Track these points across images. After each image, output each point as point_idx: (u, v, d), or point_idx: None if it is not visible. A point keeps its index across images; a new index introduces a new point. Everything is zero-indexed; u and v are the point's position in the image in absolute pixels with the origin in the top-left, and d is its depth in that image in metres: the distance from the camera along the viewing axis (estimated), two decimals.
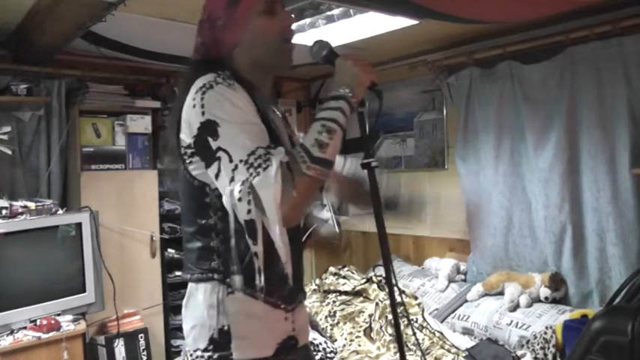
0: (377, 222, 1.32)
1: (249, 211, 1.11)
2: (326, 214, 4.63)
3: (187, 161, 1.26)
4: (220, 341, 1.23)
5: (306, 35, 2.90)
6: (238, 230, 1.18)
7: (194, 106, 1.20)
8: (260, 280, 1.20)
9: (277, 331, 1.31)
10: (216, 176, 1.16)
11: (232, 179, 1.12)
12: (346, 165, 1.43)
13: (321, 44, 1.35)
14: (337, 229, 4.36)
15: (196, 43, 1.37)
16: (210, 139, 1.17)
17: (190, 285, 1.31)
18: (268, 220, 1.10)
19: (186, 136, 1.23)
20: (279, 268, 1.20)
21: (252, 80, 1.31)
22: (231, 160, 1.13)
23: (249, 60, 1.33)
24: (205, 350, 1.25)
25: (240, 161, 1.12)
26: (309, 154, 1.13)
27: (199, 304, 1.26)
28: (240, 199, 1.11)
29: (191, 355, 1.29)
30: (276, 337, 1.31)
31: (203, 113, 1.18)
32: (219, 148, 1.15)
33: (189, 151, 1.24)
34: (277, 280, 1.25)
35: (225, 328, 1.23)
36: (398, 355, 1.40)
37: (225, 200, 1.16)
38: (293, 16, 1.41)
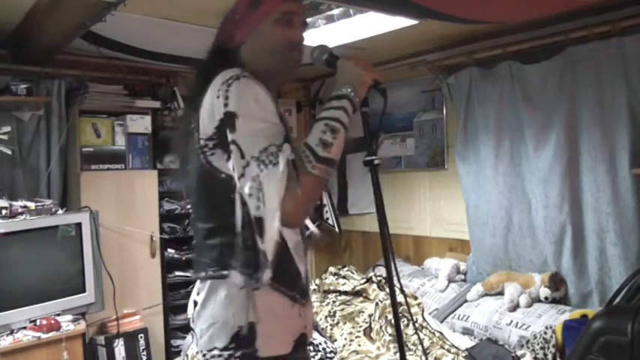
0: (379, 222, 1.32)
1: (258, 208, 1.12)
2: (325, 214, 4.65)
3: (209, 153, 1.24)
4: (245, 338, 1.21)
5: (305, 35, 2.90)
6: (245, 225, 1.19)
7: (218, 97, 1.20)
8: (269, 275, 1.20)
9: (293, 328, 1.32)
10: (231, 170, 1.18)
11: (242, 175, 1.14)
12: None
13: (321, 49, 1.37)
14: (337, 229, 4.37)
15: (217, 30, 1.41)
16: (227, 132, 1.17)
17: (210, 282, 1.26)
18: (266, 211, 1.11)
19: (209, 128, 1.23)
20: (294, 263, 1.23)
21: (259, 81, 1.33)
22: (243, 157, 1.14)
23: (252, 61, 1.34)
24: (225, 349, 1.22)
25: (252, 158, 1.13)
26: (315, 153, 1.15)
27: (221, 301, 1.23)
28: (250, 195, 1.12)
29: (204, 355, 1.26)
30: (292, 333, 1.31)
31: (226, 105, 1.18)
32: (232, 142, 1.16)
33: (210, 143, 1.23)
34: (294, 274, 1.26)
35: (251, 324, 1.21)
36: (398, 355, 1.40)
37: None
38: (306, 26, 1.41)
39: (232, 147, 1.16)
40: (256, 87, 1.21)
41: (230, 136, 1.17)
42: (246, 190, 1.12)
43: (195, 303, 1.31)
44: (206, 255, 1.28)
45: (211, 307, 1.25)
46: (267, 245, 1.15)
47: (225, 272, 1.23)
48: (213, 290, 1.25)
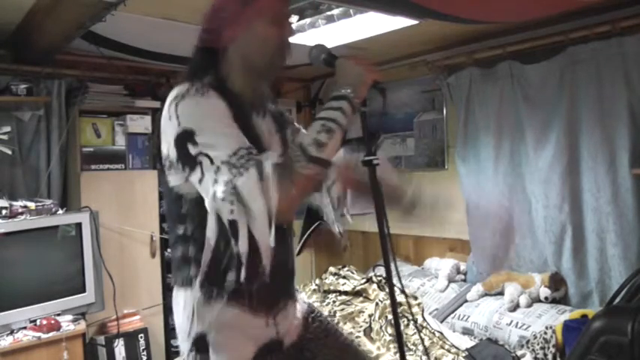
0: (378, 221, 1.33)
1: (231, 212, 1.11)
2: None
3: (166, 171, 1.27)
4: (200, 346, 1.26)
5: (306, 35, 2.90)
6: (220, 233, 1.19)
7: (169, 117, 1.20)
8: (241, 279, 1.20)
9: (256, 338, 1.30)
10: (200, 181, 1.16)
11: (215, 181, 1.13)
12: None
13: (318, 48, 1.36)
14: (338, 229, 4.36)
15: (201, 29, 1.37)
16: (189, 146, 1.17)
17: (174, 290, 1.34)
18: (255, 221, 1.11)
19: (165, 148, 1.24)
20: (259, 273, 1.21)
21: (241, 81, 1.31)
22: (212, 163, 1.14)
23: (241, 59, 1.32)
24: (189, 353, 1.28)
25: (222, 162, 1.12)
26: (306, 153, 1.15)
27: (180, 311, 1.30)
28: (223, 199, 1.11)
29: (183, 355, 1.32)
30: (255, 342, 1.30)
31: (179, 124, 1.18)
32: (199, 154, 1.15)
33: (167, 162, 1.25)
34: (257, 286, 1.26)
35: (202, 335, 1.25)
36: (398, 355, 1.40)
37: (208, 203, 1.15)
38: (294, 23, 1.42)
39: (200, 158, 1.15)
40: (204, 99, 1.20)
41: (194, 150, 1.16)
42: (219, 194, 1.11)
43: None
44: (173, 263, 1.35)
45: (175, 314, 1.33)
46: (263, 253, 1.16)
47: (181, 283, 1.30)
48: (176, 298, 1.32)
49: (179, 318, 1.30)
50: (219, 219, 1.16)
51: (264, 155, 1.15)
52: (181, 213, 1.28)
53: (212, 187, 1.13)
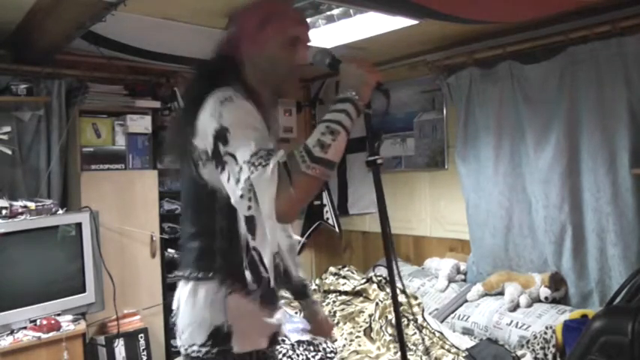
0: (381, 220, 1.35)
1: (249, 207, 1.18)
2: (325, 214, 4.65)
3: (201, 165, 1.31)
4: (220, 337, 1.30)
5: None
6: (225, 234, 1.29)
7: (212, 115, 1.25)
8: (263, 273, 1.32)
9: (267, 327, 1.40)
10: (227, 180, 1.22)
11: (238, 180, 1.18)
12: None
13: (322, 52, 1.39)
14: (337, 229, 4.38)
15: (222, 37, 1.46)
16: (220, 146, 1.23)
17: (190, 283, 1.36)
18: (261, 214, 1.17)
19: (202, 142, 1.28)
20: (274, 268, 1.33)
21: (256, 87, 1.39)
22: (236, 163, 1.19)
23: (256, 73, 1.39)
24: (203, 345, 1.31)
25: (244, 162, 1.18)
26: (310, 153, 1.17)
27: (200, 302, 1.32)
28: (241, 196, 1.17)
29: (185, 349, 1.35)
30: (267, 331, 1.40)
31: (219, 122, 1.24)
32: (226, 153, 1.21)
33: (204, 156, 1.29)
34: (270, 280, 1.36)
35: (226, 324, 1.30)
36: (398, 355, 1.42)
37: (233, 200, 1.21)
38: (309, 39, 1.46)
39: (227, 158, 1.22)
40: (246, 105, 1.27)
41: (224, 149, 1.22)
42: (239, 192, 1.17)
43: (179, 300, 1.41)
44: (188, 256, 1.39)
45: (191, 307, 1.34)
46: (269, 242, 1.24)
47: (202, 275, 1.34)
48: (193, 291, 1.35)
49: (197, 310, 1.32)
50: (227, 221, 1.25)
51: (277, 153, 1.19)
52: (213, 206, 1.32)
53: (235, 186, 1.19)
